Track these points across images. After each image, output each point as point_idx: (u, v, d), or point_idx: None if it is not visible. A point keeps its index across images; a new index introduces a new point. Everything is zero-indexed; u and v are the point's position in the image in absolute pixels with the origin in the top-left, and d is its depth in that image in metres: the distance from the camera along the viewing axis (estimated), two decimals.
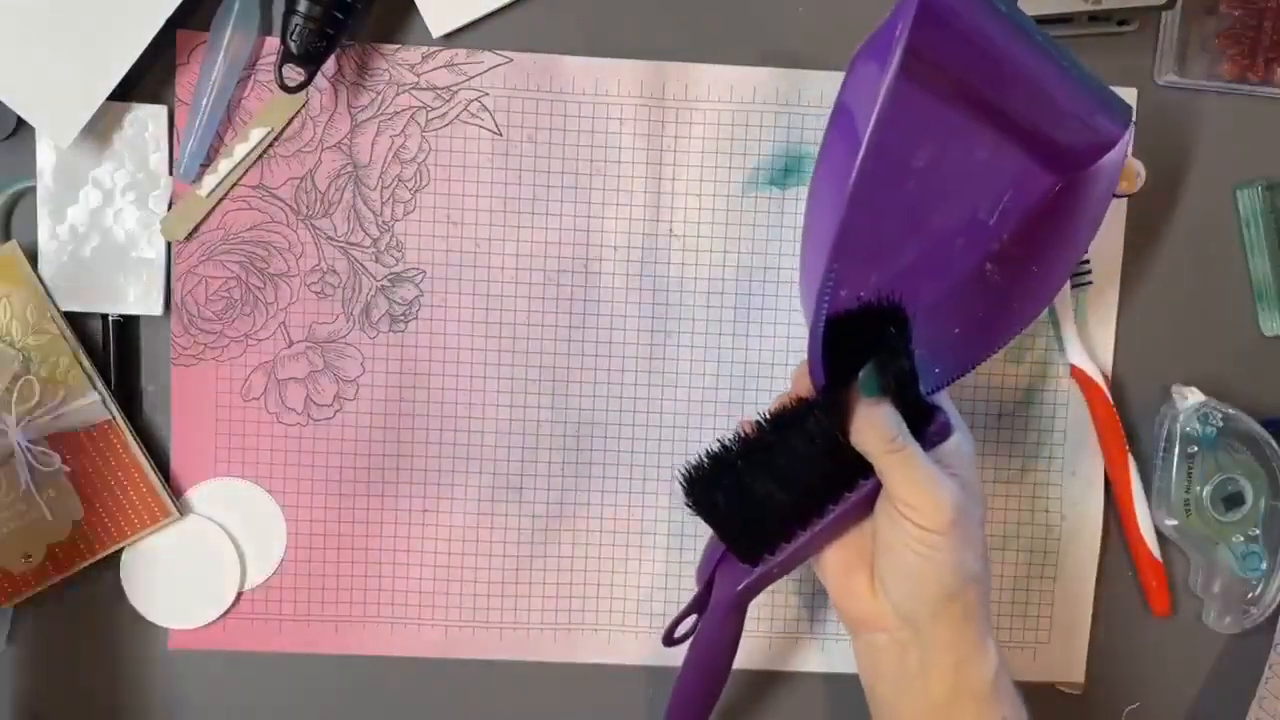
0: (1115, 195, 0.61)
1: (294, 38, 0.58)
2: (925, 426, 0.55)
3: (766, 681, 0.66)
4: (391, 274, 0.64)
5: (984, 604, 0.53)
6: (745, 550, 0.56)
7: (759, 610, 0.66)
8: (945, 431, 0.55)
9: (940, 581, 0.52)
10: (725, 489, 0.54)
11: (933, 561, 0.51)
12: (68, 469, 0.62)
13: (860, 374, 0.53)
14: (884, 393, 0.53)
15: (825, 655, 0.66)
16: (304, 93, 0.62)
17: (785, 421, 0.54)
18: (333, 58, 0.62)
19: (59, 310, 0.62)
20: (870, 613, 0.54)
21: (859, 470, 0.54)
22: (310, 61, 0.59)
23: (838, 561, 0.56)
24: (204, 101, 0.61)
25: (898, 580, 0.53)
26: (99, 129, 0.61)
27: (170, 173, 0.62)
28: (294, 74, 0.59)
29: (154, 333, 0.64)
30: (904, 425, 0.53)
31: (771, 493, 0.54)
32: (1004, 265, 0.58)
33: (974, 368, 0.57)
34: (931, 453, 0.54)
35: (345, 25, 0.59)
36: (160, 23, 0.58)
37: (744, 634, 0.66)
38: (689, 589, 0.66)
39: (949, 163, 0.57)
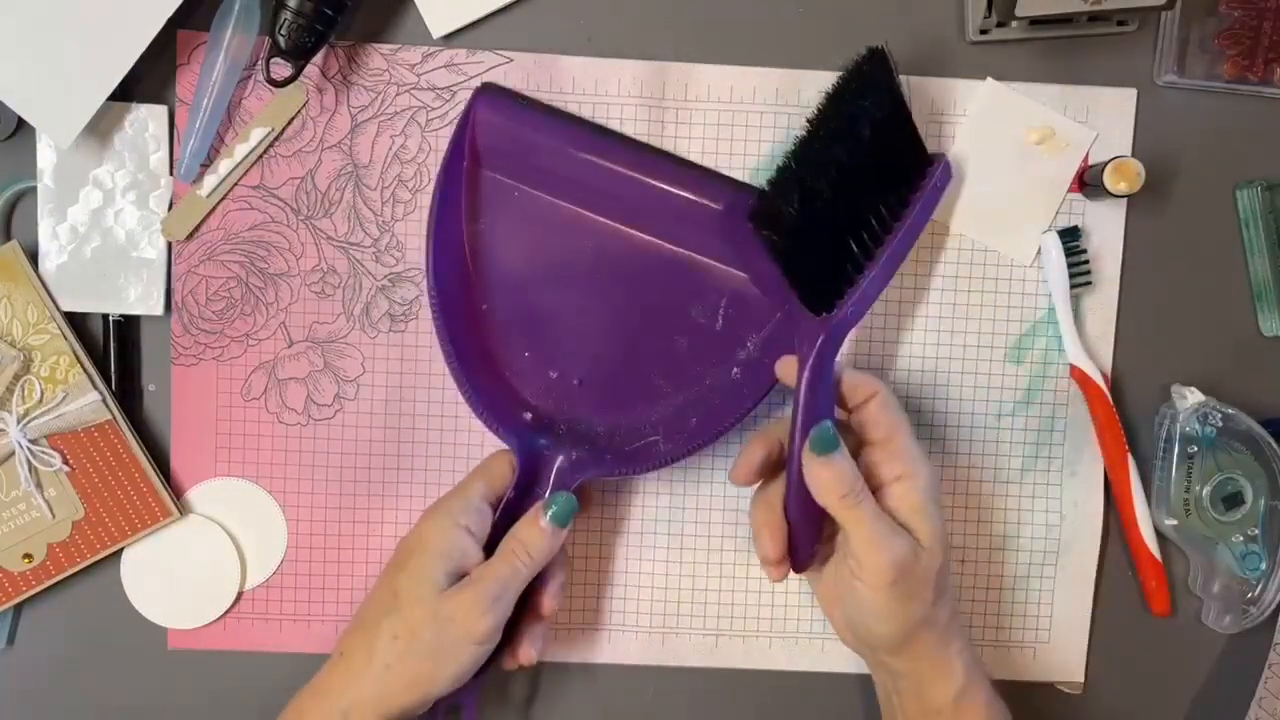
0: (1115, 195, 0.61)
1: (282, 32, 0.58)
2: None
3: (767, 681, 0.66)
4: (391, 274, 0.64)
5: (941, 636, 0.57)
6: (817, 297, 0.58)
7: (759, 610, 0.66)
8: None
9: (886, 629, 0.56)
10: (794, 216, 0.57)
11: (875, 613, 0.56)
12: (68, 469, 0.62)
13: (811, 433, 0.55)
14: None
15: (825, 655, 0.66)
16: (304, 93, 0.62)
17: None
18: (333, 57, 0.62)
19: (59, 310, 0.62)
20: (851, 644, 0.61)
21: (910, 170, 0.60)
22: (298, 56, 0.59)
23: (823, 596, 0.62)
24: (204, 101, 0.61)
25: (851, 624, 0.59)
26: (99, 129, 0.61)
27: (171, 173, 0.62)
28: (281, 68, 0.59)
29: (154, 333, 0.64)
30: (860, 480, 0.55)
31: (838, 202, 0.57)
32: (746, 369, 0.62)
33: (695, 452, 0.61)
34: (900, 497, 0.56)
35: (335, 22, 0.59)
36: (161, 23, 0.58)
37: (744, 634, 0.66)
38: (689, 588, 0.66)
39: (612, 261, 0.63)
